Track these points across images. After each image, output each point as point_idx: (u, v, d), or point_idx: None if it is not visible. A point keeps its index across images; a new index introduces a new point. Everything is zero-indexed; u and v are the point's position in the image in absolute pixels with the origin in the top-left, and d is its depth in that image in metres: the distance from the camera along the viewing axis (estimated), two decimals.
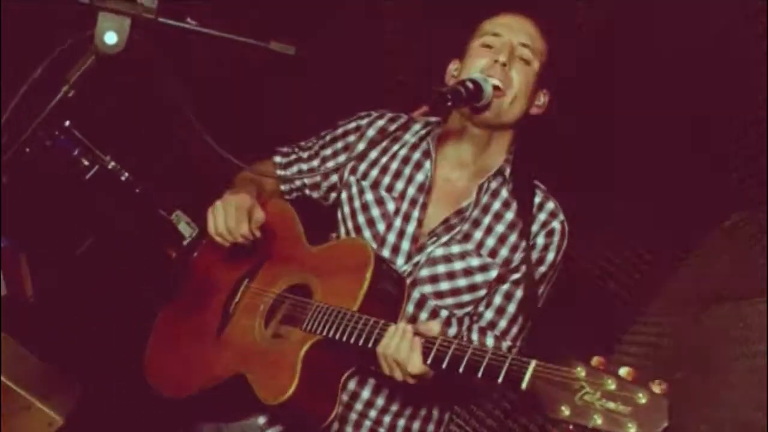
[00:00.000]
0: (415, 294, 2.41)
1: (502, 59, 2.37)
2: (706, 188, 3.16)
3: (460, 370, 2.03)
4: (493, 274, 2.40)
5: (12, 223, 1.95)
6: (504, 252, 2.41)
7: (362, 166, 2.54)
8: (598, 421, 1.78)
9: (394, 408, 2.46)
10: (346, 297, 2.27)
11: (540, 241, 2.43)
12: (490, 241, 2.41)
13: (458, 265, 2.40)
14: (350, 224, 2.50)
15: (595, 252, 3.52)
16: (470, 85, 2.26)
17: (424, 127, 2.56)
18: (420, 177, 2.48)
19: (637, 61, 3.18)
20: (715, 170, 3.12)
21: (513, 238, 2.42)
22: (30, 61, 1.92)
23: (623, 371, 1.80)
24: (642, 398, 1.76)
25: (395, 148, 2.54)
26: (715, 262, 3.11)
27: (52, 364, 3.06)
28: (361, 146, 2.55)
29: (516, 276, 2.43)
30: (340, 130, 2.63)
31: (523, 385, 1.90)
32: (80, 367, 3.14)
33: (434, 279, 2.41)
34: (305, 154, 2.69)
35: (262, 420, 2.46)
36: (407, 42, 3.43)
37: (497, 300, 2.43)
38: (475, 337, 2.43)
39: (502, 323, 2.43)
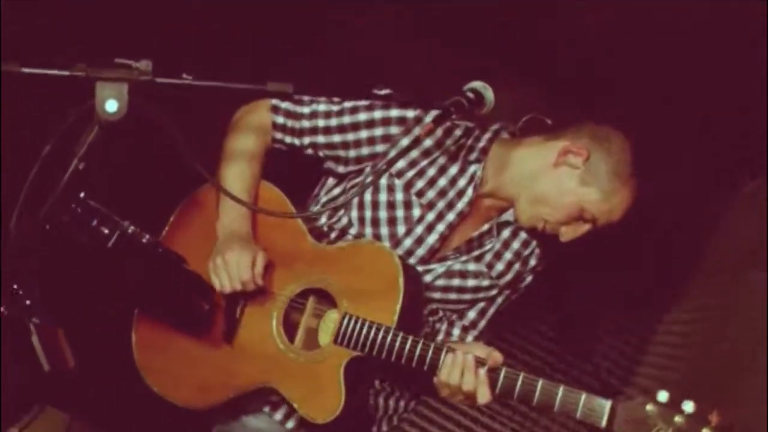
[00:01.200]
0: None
1: (579, 234, 2.40)
2: (721, 156, 3.13)
3: (534, 403, 2.14)
4: (494, 292, 2.54)
5: (44, 300, 1.97)
6: (509, 276, 2.53)
7: (401, 163, 2.43)
8: None
9: (387, 388, 2.56)
10: (380, 310, 2.28)
11: (529, 279, 2.60)
12: (499, 266, 2.51)
13: (471, 282, 2.50)
14: (368, 214, 2.46)
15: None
16: (471, 95, 2.27)
17: (464, 134, 2.48)
18: (455, 196, 2.46)
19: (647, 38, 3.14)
20: (727, 138, 3.09)
21: (518, 266, 2.54)
22: (32, 138, 1.95)
23: (688, 406, 1.98)
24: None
25: (435, 153, 2.47)
26: (741, 230, 3.08)
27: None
28: (405, 142, 2.39)
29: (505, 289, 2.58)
30: (378, 115, 2.44)
31: (603, 424, 2.07)
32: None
33: (446, 289, 2.49)
34: (322, 123, 2.49)
35: (267, 408, 2.47)
36: (400, 58, 3.43)
37: (482, 304, 2.56)
38: (456, 332, 2.57)
39: (482, 323, 2.58)
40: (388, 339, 2.24)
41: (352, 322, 2.28)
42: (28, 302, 1.95)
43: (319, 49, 3.39)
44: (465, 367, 2.18)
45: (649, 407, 2.01)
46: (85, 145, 1.87)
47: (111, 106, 1.85)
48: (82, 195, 1.99)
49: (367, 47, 3.39)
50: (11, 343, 1.94)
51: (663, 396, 2.01)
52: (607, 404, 2.07)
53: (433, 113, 2.36)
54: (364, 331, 2.26)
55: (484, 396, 2.18)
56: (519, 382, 2.15)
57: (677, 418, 1.97)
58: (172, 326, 2.49)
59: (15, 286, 1.92)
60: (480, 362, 2.19)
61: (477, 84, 2.30)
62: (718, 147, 3.13)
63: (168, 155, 2.03)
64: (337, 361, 2.28)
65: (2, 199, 2.37)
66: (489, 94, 2.30)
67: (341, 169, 2.53)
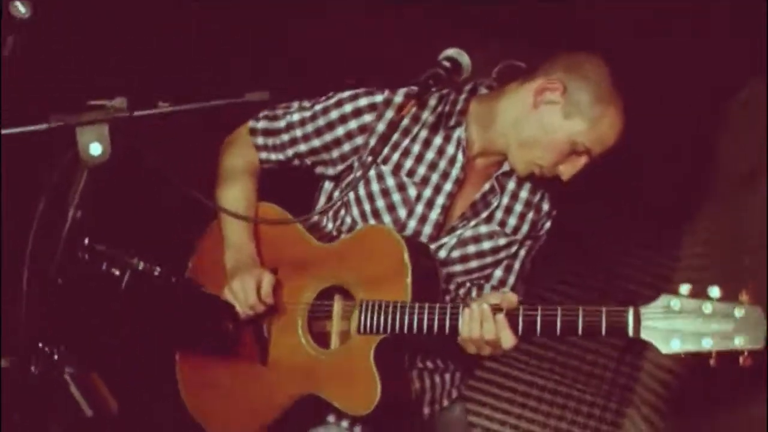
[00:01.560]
0: (443, 272, 2.45)
1: (578, 168, 2.36)
2: (717, 57, 3.06)
3: (557, 333, 2.09)
4: (515, 248, 2.51)
5: (74, 351, 1.98)
6: (525, 228, 2.51)
7: (384, 149, 2.42)
8: (710, 343, 1.90)
9: (430, 366, 2.53)
10: (393, 288, 2.27)
11: (548, 224, 2.56)
12: (512, 220, 2.49)
13: (487, 245, 2.47)
14: (367, 207, 2.46)
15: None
16: (447, 63, 2.25)
17: (440, 102, 2.47)
18: (447, 165, 2.45)
19: None
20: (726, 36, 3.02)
21: (531, 215, 2.52)
22: (25, 195, 1.95)
23: (714, 292, 1.92)
24: (739, 312, 1.88)
25: (415, 129, 2.46)
26: (742, 138, 3.05)
27: None
28: (381, 127, 2.42)
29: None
30: (348, 107, 2.45)
31: (630, 333, 1.99)
32: None
33: (465, 259, 2.47)
34: (299, 132, 2.52)
35: (331, 418, 2.46)
36: (407, 55, 3.40)
37: (506, 261, 2.54)
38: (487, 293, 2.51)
39: (511, 279, 2.55)
40: (406, 313, 2.23)
41: (369, 307, 2.28)
42: (55, 357, 1.95)
43: (316, 50, 3.38)
44: (483, 317, 2.15)
45: (674, 303, 1.94)
46: (77, 193, 1.86)
47: (95, 149, 1.85)
48: (86, 241, 1.99)
49: (365, 47, 3.38)
50: (49, 402, 1.95)
51: (685, 288, 1.94)
52: (630, 311, 1.99)
53: (402, 91, 2.41)
54: (383, 312, 2.26)
55: (508, 340, 2.13)
56: (539, 316, 2.10)
57: (706, 306, 1.91)
58: (209, 362, 2.52)
59: (40, 344, 1.93)
60: (496, 308, 2.15)
61: (451, 52, 2.29)
62: (708, 55, 3.06)
63: (159, 184, 2.02)
64: (366, 349, 2.28)
65: (5, 258, 2.38)
66: (465, 59, 2.28)
67: (331, 171, 2.55)
